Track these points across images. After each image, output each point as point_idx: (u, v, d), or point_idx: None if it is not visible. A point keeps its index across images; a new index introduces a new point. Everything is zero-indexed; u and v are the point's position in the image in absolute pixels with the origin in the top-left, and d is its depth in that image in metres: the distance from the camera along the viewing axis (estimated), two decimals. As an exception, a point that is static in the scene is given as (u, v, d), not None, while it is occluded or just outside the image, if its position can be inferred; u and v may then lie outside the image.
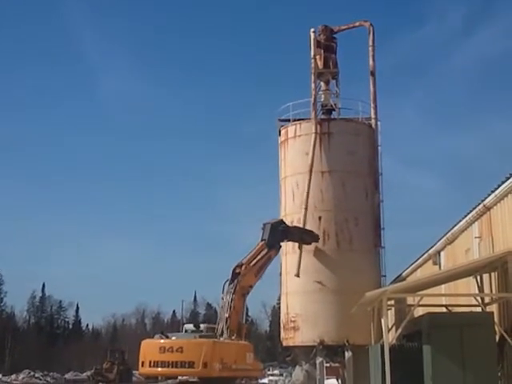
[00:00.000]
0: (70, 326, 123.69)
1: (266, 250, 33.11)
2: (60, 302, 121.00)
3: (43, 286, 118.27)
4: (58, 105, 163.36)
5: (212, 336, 30.02)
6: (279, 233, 33.84)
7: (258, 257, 32.77)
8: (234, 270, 32.07)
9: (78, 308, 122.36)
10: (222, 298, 31.87)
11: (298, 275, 35.65)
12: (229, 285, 31.78)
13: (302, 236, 35.22)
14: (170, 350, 28.39)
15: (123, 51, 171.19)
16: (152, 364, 28.65)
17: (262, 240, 33.40)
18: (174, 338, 29.73)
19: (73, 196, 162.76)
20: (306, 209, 35.45)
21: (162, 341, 29.18)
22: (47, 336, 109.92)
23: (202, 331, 31.16)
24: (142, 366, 29.11)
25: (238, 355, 30.52)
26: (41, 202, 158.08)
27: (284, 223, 34.70)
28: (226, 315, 31.07)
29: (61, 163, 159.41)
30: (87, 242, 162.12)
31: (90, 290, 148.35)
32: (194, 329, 31.89)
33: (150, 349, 29.11)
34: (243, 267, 32.14)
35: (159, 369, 28.70)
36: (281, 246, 34.39)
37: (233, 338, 30.55)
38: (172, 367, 28.28)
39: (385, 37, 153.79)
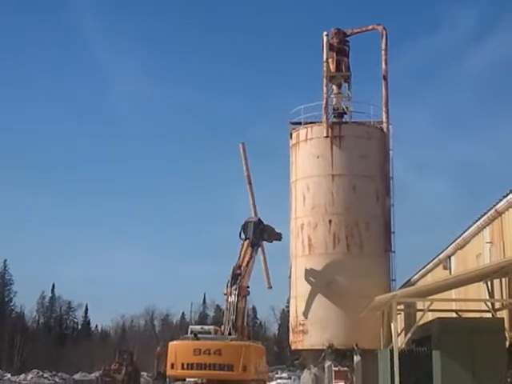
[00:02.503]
0: (79, 327, 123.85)
1: (250, 249, 33.41)
2: (69, 302, 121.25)
3: (53, 286, 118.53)
4: (66, 108, 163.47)
5: (241, 338, 29.96)
6: (259, 231, 34.42)
7: (247, 257, 33.06)
8: (234, 271, 32.19)
9: (87, 309, 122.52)
10: (227, 300, 31.88)
11: (270, 287, 38.21)
12: (231, 286, 31.83)
13: (270, 234, 35.77)
14: (206, 352, 27.74)
15: (133, 52, 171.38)
16: (185, 366, 28.00)
17: (246, 239, 33.76)
18: (202, 340, 29.18)
19: (83, 199, 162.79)
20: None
21: (196, 342, 28.56)
22: (56, 336, 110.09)
23: (210, 333, 31.08)
24: (172, 368, 28.34)
25: (260, 358, 30.58)
26: (51, 205, 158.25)
27: (262, 222, 35.07)
28: (233, 317, 31.02)
29: (72, 168, 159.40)
30: (96, 244, 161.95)
31: (99, 291, 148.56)
32: (200, 330, 31.71)
33: (183, 350, 28.33)
34: (242, 268, 32.34)
35: (194, 371, 28.08)
36: (260, 245, 34.75)
37: (244, 339, 30.55)
38: (209, 369, 27.65)
39: (397, 40, 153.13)
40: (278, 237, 36.40)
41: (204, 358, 27.73)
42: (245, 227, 34.31)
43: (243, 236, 34.19)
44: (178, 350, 28.56)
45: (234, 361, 27.56)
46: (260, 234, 34.60)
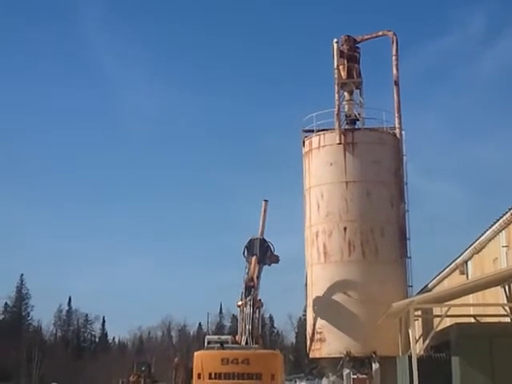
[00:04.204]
0: (97, 339, 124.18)
1: (258, 265, 33.73)
2: (86, 315, 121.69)
3: (70, 299, 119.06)
4: (69, 116, 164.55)
5: (260, 348, 30.12)
6: (264, 250, 34.89)
7: (256, 272, 33.40)
8: (247, 283, 32.59)
9: (104, 321, 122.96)
10: (242, 311, 32.12)
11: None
12: (246, 298, 32.08)
13: (271, 256, 35.76)
14: (234, 361, 27.70)
15: (140, 59, 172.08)
16: (213, 376, 27.90)
17: (253, 255, 34.28)
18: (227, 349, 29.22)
19: (98, 211, 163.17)
20: None
21: (223, 352, 28.53)
22: (74, 349, 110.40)
23: (228, 342, 31.09)
24: (199, 377, 27.99)
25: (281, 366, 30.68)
26: (66, 217, 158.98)
27: (266, 241, 35.45)
28: (249, 327, 31.15)
29: (78, 177, 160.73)
30: (113, 256, 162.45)
31: (116, 303, 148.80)
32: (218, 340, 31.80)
33: (210, 360, 28.17)
34: (255, 281, 32.75)
35: (222, 381, 27.97)
36: (265, 263, 35.15)
37: (261, 348, 30.69)
38: (238, 379, 27.54)
39: (407, 44, 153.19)
40: (276, 259, 36.26)
41: (232, 367, 27.62)
42: (250, 245, 34.59)
43: (246, 253, 34.55)
44: (204, 359, 28.29)
45: (263, 369, 27.49)
46: (265, 252, 34.92)
